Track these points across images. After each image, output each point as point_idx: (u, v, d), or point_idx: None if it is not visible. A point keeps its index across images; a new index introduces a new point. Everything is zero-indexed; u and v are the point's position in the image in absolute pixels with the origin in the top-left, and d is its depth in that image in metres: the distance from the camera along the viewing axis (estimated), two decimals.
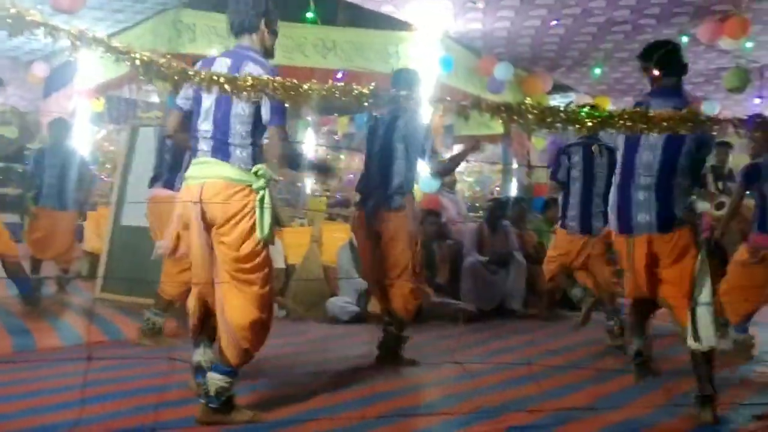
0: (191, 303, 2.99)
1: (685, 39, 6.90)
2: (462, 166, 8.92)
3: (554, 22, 6.79)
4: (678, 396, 3.49)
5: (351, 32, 7.07)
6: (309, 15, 6.26)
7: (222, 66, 2.85)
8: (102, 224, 6.39)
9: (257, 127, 2.87)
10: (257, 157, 2.88)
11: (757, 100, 8.13)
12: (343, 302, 5.72)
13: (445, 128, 8.67)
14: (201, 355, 3.03)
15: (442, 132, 8.47)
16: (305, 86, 2.36)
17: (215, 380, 2.81)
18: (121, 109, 9.44)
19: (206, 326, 3.00)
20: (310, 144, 9.82)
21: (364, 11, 6.92)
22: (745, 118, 2.92)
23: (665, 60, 3.38)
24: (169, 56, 2.35)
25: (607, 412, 3.19)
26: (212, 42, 6.48)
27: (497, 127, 8.47)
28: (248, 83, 2.33)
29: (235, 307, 2.80)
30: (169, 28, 6.54)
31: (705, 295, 3.05)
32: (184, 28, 6.56)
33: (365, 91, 2.43)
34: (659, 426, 3.04)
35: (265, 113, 2.83)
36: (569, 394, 3.56)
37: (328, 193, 9.51)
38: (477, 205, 10.35)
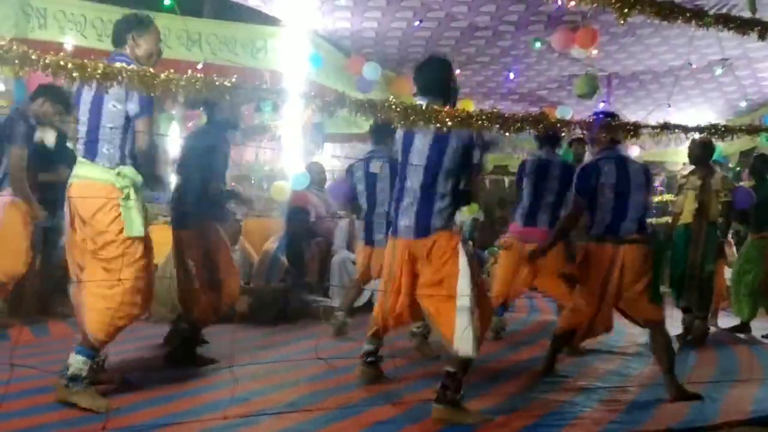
0: None
1: (538, 44, 7.32)
2: (331, 164, 8.96)
3: (417, 23, 6.96)
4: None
5: (217, 24, 6.87)
6: (167, 2, 5.93)
7: None
8: None
9: (127, 124, 3.06)
10: (125, 155, 3.07)
11: (601, 104, 8.77)
12: None
13: (315, 126, 8.63)
14: None
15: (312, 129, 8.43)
16: (162, 76, 2.27)
17: (76, 362, 2.96)
18: None
19: None
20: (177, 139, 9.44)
21: (231, 4, 6.76)
22: (591, 120, 3.16)
23: None
24: (14, 41, 2.17)
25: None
26: (65, 28, 6.07)
27: (367, 126, 8.59)
28: (99, 71, 2.20)
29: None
30: (15, 12, 6.03)
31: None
32: (34, 13, 6.08)
33: (227, 83, 2.37)
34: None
35: (132, 106, 3.02)
36: (432, 386, 3.66)
37: None
38: None
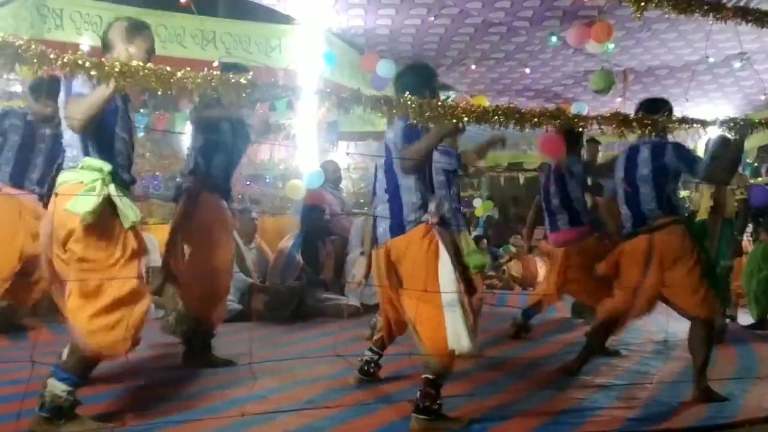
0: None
1: (554, 39, 7.27)
2: (346, 162, 8.96)
3: (432, 18, 6.95)
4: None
5: (231, 23, 6.90)
6: (182, 1, 5.92)
7: None
8: None
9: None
10: (91, 151, 2.74)
11: (618, 100, 8.69)
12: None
13: (330, 124, 8.65)
14: None
15: (326, 127, 8.45)
16: (179, 74, 2.27)
17: (57, 390, 2.62)
18: None
19: None
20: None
21: (245, 3, 6.78)
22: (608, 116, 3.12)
23: None
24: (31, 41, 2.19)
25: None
26: (81, 29, 6.12)
27: (381, 124, 8.59)
28: (116, 69, 2.21)
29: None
30: (32, 13, 6.10)
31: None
32: (50, 14, 6.14)
33: (243, 81, 2.37)
34: None
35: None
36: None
37: None
38: (362, 201, 10.41)
